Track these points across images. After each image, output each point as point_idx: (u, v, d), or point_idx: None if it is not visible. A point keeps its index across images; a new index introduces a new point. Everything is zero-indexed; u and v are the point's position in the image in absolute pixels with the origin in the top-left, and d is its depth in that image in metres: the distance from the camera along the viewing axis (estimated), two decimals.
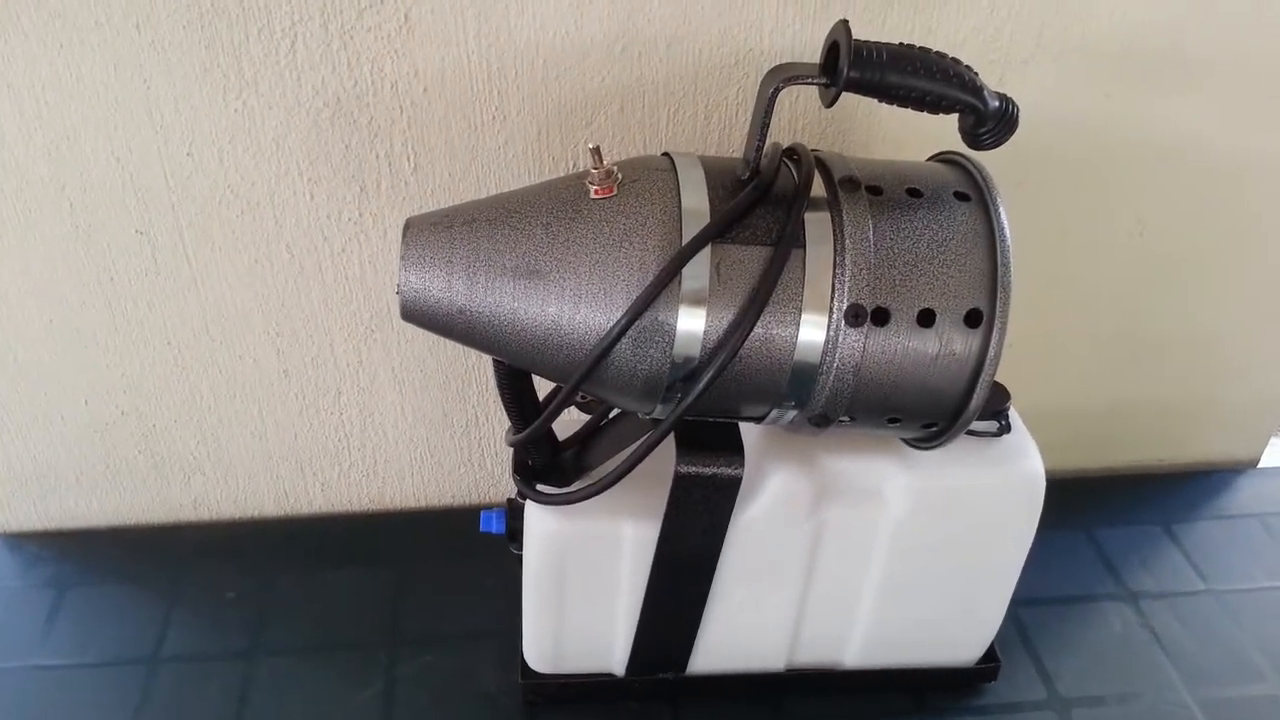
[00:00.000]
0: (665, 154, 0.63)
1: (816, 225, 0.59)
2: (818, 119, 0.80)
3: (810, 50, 0.76)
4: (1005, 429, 0.71)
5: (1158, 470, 1.05)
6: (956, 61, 0.57)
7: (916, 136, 0.74)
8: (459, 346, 0.62)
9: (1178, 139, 0.84)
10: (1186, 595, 0.90)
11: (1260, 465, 1.06)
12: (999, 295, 0.58)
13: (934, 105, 0.57)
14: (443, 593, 0.89)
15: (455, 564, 0.91)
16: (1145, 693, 0.82)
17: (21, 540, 0.96)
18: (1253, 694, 0.82)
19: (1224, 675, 0.83)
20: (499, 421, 0.94)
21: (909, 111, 0.58)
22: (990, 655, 0.81)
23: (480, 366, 0.90)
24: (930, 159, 0.67)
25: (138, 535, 0.97)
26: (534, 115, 0.77)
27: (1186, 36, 0.79)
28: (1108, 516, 0.98)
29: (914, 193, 0.60)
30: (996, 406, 0.69)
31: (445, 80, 0.75)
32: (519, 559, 0.75)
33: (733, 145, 0.80)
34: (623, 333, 0.57)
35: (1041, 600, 0.87)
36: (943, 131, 0.64)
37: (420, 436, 0.94)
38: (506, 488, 0.98)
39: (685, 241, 0.57)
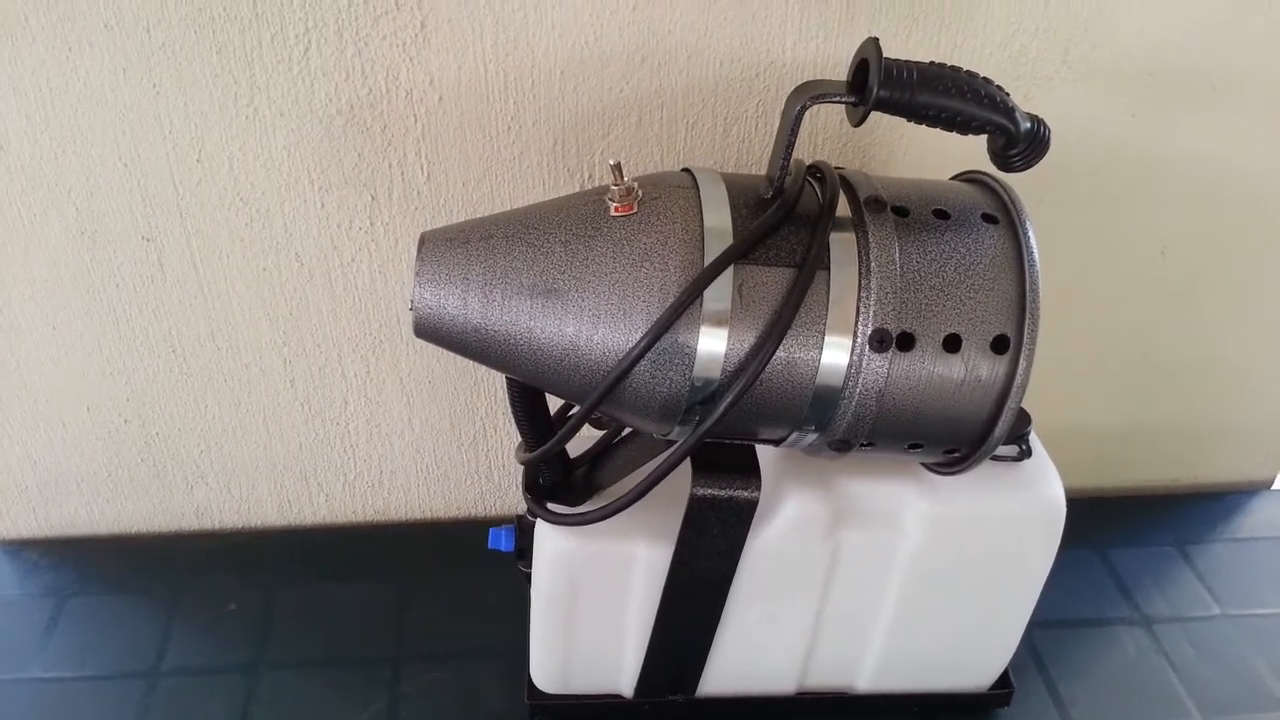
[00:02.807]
0: (686, 170, 0.62)
1: (841, 246, 0.57)
2: (838, 134, 0.79)
3: (832, 64, 0.75)
4: (1026, 454, 0.70)
5: (1172, 491, 1.04)
6: (988, 81, 0.56)
7: (939, 155, 0.73)
8: (468, 359, 0.61)
9: (1202, 161, 0.83)
10: (1200, 619, 0.89)
11: (1275, 487, 1.05)
12: (1027, 321, 0.57)
13: (964, 126, 0.56)
14: (448, 608, 0.88)
15: (461, 578, 0.90)
16: None
17: (21, 547, 0.94)
18: None
19: (1238, 702, 0.82)
20: (507, 434, 0.93)
21: (933, 129, 0.57)
22: (1004, 681, 0.80)
23: (489, 379, 0.89)
24: (955, 178, 0.66)
25: (139, 544, 0.95)
26: (550, 126, 0.76)
27: (1213, 57, 0.78)
28: (1121, 537, 0.97)
29: (941, 214, 0.59)
30: (1018, 431, 0.68)
31: (461, 89, 0.74)
32: (527, 576, 0.74)
33: (751, 158, 0.79)
34: (642, 354, 0.56)
35: (1055, 623, 0.86)
36: (967, 150, 0.63)
37: (427, 448, 0.93)
38: (514, 501, 0.97)
39: (708, 262, 0.56)
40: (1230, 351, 0.96)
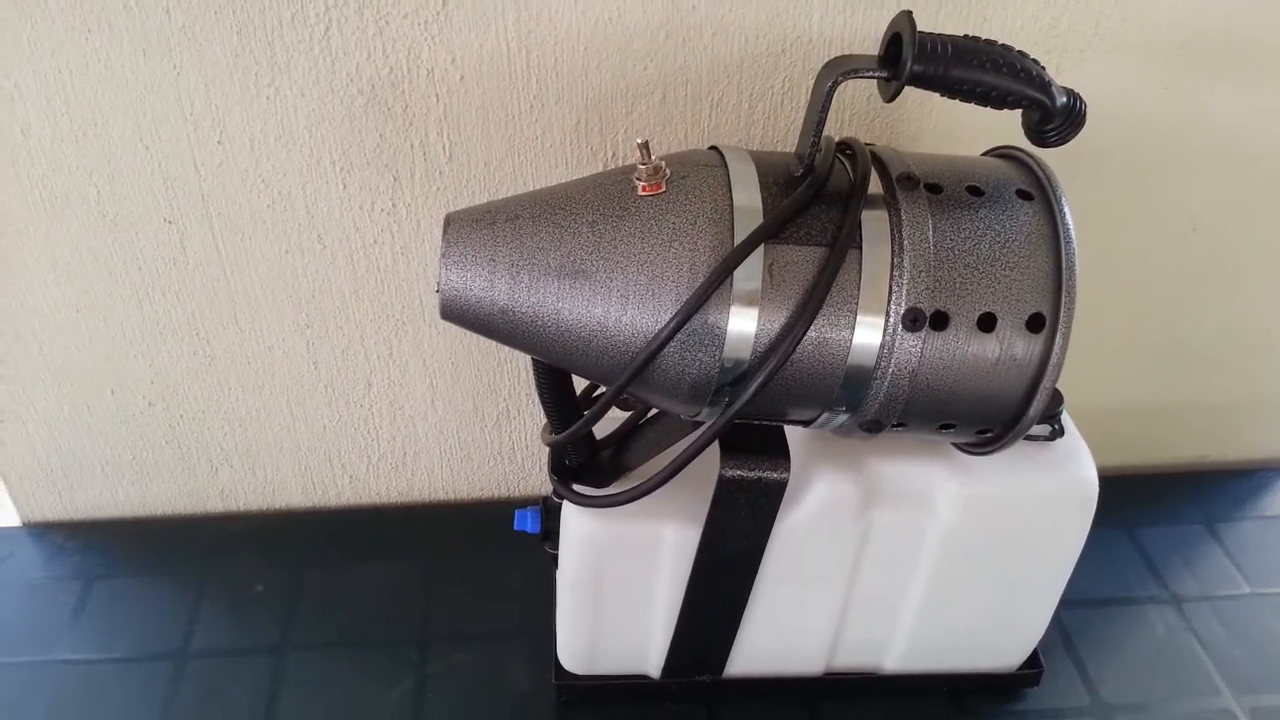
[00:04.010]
0: (713, 148, 0.61)
1: (873, 225, 0.56)
2: (865, 110, 0.78)
3: (860, 38, 0.74)
4: (1058, 433, 0.69)
5: (1200, 468, 1.03)
6: (1023, 55, 0.55)
7: (969, 130, 0.72)
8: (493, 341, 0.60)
9: (1235, 135, 0.81)
10: (1230, 598, 0.88)
11: None
12: (1063, 299, 0.56)
13: (999, 101, 0.55)
14: (473, 588, 0.88)
15: (486, 559, 0.90)
16: (1189, 700, 0.80)
17: (47, 530, 0.95)
18: None
19: (1269, 681, 0.81)
20: (530, 415, 0.92)
21: (961, 103, 0.56)
22: (1033, 660, 0.79)
23: (512, 359, 0.89)
24: (987, 154, 0.64)
25: (165, 526, 0.96)
26: (573, 104, 0.75)
27: (1248, 29, 0.76)
28: (1150, 516, 0.96)
29: (974, 191, 0.58)
30: (1050, 410, 0.67)
31: (483, 68, 0.73)
32: (552, 556, 0.74)
33: (777, 135, 0.78)
34: (672, 335, 0.55)
35: (1084, 602, 0.85)
36: (996, 124, 0.61)
37: (450, 429, 0.93)
38: (538, 481, 0.97)
39: (738, 241, 0.55)
40: (1260, 327, 0.94)
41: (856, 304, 0.56)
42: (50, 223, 0.78)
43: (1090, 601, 0.87)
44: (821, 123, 0.56)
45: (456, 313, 0.59)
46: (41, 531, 0.95)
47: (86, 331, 0.84)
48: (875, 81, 0.56)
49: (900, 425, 0.60)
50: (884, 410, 0.58)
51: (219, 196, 0.77)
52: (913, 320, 0.55)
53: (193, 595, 0.87)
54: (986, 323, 0.56)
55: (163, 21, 0.70)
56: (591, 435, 0.71)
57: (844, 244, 0.55)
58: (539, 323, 0.58)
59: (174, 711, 0.78)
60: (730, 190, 0.57)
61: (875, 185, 0.58)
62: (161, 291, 0.82)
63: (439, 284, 0.58)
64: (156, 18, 0.69)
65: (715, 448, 0.62)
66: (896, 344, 0.56)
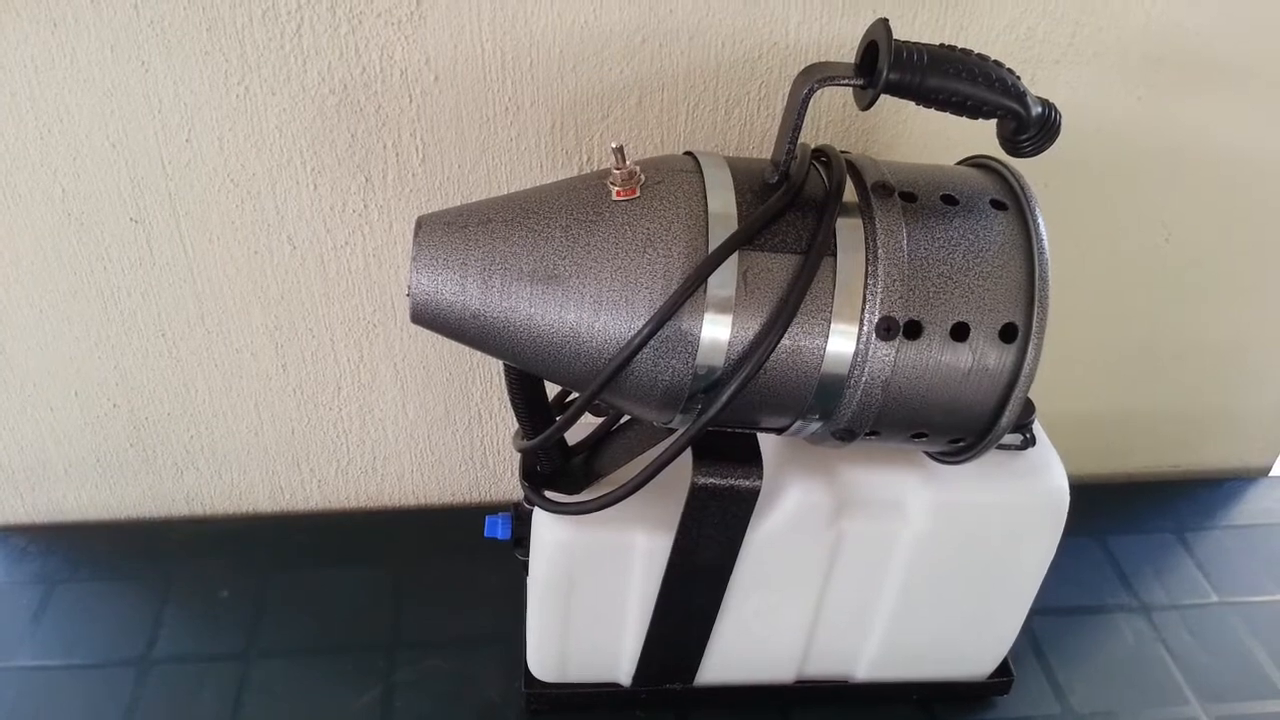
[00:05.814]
0: (689, 153, 0.60)
1: (848, 233, 0.56)
2: (841, 117, 0.78)
3: (837, 46, 0.74)
4: (1029, 442, 0.69)
5: (1171, 477, 1.04)
6: (999, 65, 0.55)
7: (943, 139, 0.72)
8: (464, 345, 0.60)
9: (1210, 146, 0.82)
10: (1199, 607, 0.89)
11: (1273, 474, 1.05)
12: (1036, 310, 0.56)
13: (974, 110, 0.55)
14: (443, 594, 0.87)
15: (456, 565, 0.89)
16: (1158, 709, 0.80)
17: (9, 534, 0.93)
18: (1269, 711, 0.80)
19: (1236, 690, 0.82)
20: (502, 420, 0.92)
21: (936, 111, 0.56)
22: (1004, 669, 0.79)
23: (484, 363, 0.88)
24: (962, 163, 0.64)
25: (129, 530, 0.94)
26: (548, 107, 0.75)
27: (1224, 41, 0.77)
28: (1120, 524, 0.96)
29: (949, 200, 0.58)
30: (1022, 420, 0.67)
31: (457, 69, 0.72)
32: (524, 564, 0.73)
33: (753, 142, 0.78)
34: (645, 342, 0.55)
35: (1054, 610, 0.86)
36: (972, 133, 0.61)
37: (421, 434, 0.92)
38: (509, 487, 0.96)
39: (712, 248, 0.55)
40: (1232, 337, 0.95)
41: (830, 312, 0.56)
42: (12, 220, 0.76)
43: (1061, 610, 0.87)
44: (797, 129, 0.56)
45: (427, 317, 0.58)
46: (3, 535, 0.93)
47: (49, 332, 0.82)
48: (851, 89, 0.56)
49: (873, 434, 0.60)
50: (857, 419, 0.58)
51: (186, 196, 0.76)
52: (886, 329, 0.55)
53: (157, 600, 0.86)
54: (959, 332, 0.56)
55: (131, 17, 0.69)
56: (564, 441, 0.70)
57: (818, 251, 0.55)
58: (511, 328, 0.57)
59: (136, 718, 0.76)
60: (705, 196, 0.56)
61: (850, 193, 0.58)
62: (127, 292, 0.81)
63: (410, 287, 0.57)
64: (125, 13, 0.68)
65: (688, 455, 0.61)
66: (870, 352, 0.56)
